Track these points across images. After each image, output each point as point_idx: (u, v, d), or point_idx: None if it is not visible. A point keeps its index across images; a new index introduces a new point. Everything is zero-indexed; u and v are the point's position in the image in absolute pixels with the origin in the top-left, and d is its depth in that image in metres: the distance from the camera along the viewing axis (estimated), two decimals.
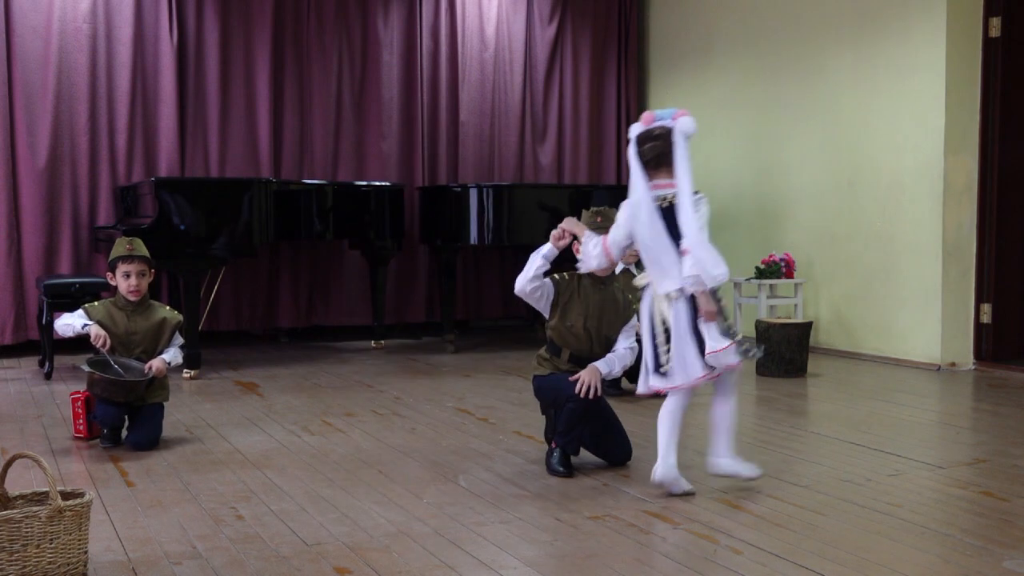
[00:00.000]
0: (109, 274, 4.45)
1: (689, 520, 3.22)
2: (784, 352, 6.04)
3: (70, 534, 2.67)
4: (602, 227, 3.76)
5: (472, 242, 7.09)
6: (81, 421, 4.42)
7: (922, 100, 6.42)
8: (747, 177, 7.82)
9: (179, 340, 4.48)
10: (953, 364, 6.38)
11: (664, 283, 3.46)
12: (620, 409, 4.62)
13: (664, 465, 3.49)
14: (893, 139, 6.63)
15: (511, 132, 8.56)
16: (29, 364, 6.63)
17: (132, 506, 3.41)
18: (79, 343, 4.31)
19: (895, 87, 6.61)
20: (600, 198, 7.07)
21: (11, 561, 2.57)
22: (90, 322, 4.28)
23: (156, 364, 4.30)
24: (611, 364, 3.83)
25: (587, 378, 3.74)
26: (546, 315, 3.90)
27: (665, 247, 3.44)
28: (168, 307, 4.55)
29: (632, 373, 5.33)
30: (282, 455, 4.14)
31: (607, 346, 3.89)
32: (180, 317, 4.52)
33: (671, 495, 3.49)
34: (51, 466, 3.71)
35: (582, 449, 3.89)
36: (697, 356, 3.42)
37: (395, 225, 7.44)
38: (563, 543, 3.02)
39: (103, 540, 3.03)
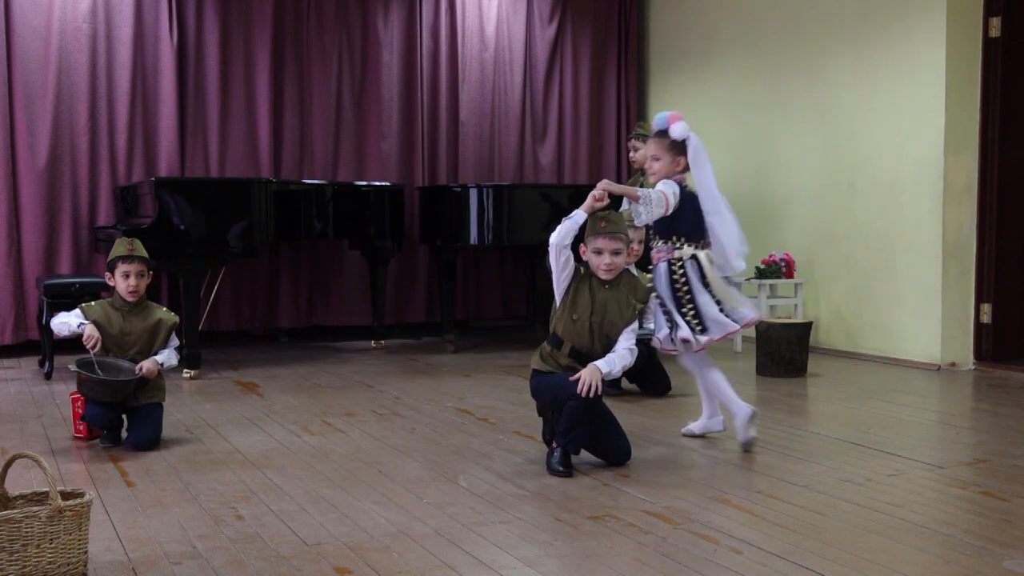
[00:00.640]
0: (108, 274, 4.44)
1: (689, 520, 3.22)
2: (784, 352, 6.04)
3: (70, 534, 2.67)
4: (609, 232, 3.82)
5: (472, 242, 7.09)
6: (81, 421, 4.42)
7: (922, 100, 6.42)
8: (747, 177, 7.81)
9: (175, 341, 4.46)
10: (953, 364, 6.38)
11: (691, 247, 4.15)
12: (620, 409, 4.64)
13: (743, 410, 4.12)
14: (893, 139, 6.63)
15: (511, 132, 8.56)
16: (29, 364, 6.63)
17: (132, 506, 3.41)
18: (80, 343, 4.30)
19: (895, 87, 6.61)
20: None
21: (11, 561, 2.57)
22: (85, 321, 4.27)
23: (147, 365, 4.28)
24: (611, 364, 3.82)
25: (588, 377, 3.73)
26: (558, 294, 3.91)
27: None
28: (165, 308, 4.52)
29: (632, 374, 5.36)
30: (282, 455, 4.14)
31: (608, 345, 3.89)
32: (176, 318, 4.49)
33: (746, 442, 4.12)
34: (51, 466, 3.72)
35: (582, 449, 3.89)
36: (719, 312, 4.09)
37: (395, 225, 7.44)
38: (563, 543, 3.02)
39: (103, 540, 3.03)
